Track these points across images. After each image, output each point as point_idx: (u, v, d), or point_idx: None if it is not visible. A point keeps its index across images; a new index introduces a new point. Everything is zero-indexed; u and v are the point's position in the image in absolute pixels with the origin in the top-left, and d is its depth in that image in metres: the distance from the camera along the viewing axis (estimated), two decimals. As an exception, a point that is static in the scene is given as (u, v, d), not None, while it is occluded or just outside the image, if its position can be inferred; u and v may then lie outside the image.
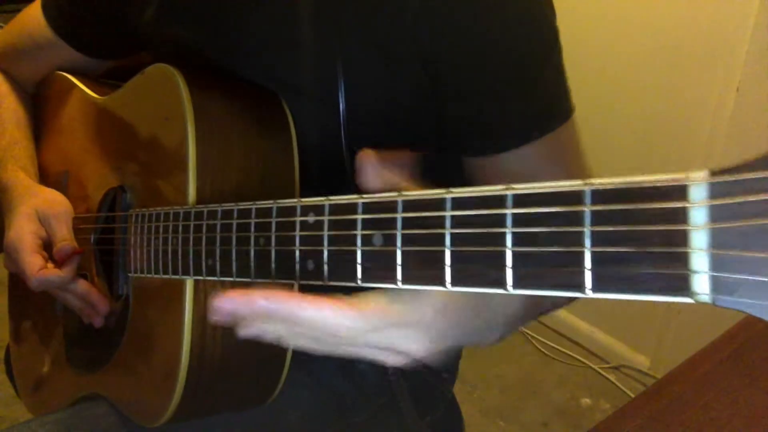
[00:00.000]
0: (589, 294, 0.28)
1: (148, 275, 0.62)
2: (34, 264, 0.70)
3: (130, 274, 0.66)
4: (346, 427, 0.79)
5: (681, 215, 0.24)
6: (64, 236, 0.73)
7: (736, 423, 0.54)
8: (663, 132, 1.61)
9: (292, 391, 0.70)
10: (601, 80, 1.68)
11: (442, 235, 0.32)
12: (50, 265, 0.72)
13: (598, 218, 0.27)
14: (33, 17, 0.85)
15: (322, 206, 0.39)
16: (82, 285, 0.72)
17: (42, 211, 0.74)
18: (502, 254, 0.30)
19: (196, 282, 0.58)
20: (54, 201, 0.76)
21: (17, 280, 0.95)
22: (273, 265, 0.43)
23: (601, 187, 0.27)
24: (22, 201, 0.76)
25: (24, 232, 0.72)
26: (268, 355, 0.64)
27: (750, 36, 1.40)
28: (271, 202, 0.44)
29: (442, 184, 0.35)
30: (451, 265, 0.32)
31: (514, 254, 0.30)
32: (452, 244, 0.32)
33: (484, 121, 0.60)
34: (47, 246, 0.74)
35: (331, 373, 0.79)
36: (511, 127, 0.59)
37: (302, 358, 0.69)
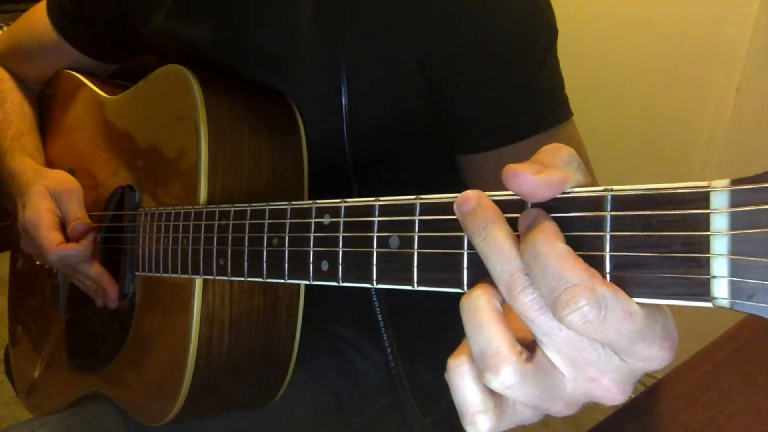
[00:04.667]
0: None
1: (156, 274, 0.62)
2: (53, 239, 0.70)
3: (137, 273, 0.66)
4: (348, 427, 0.79)
5: (703, 222, 0.25)
6: (77, 214, 0.73)
7: (736, 423, 0.54)
8: (663, 132, 1.62)
9: (293, 392, 0.71)
10: (601, 80, 1.69)
11: (461, 238, 0.32)
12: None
13: (618, 224, 0.27)
14: (38, 19, 0.84)
15: (338, 208, 0.39)
16: (95, 268, 0.72)
17: (53, 189, 0.75)
18: (522, 258, 0.31)
19: (205, 282, 0.58)
20: (63, 179, 0.76)
21: (17, 281, 0.95)
22: (286, 265, 0.43)
23: (621, 193, 0.27)
24: (33, 182, 0.76)
25: (41, 209, 0.73)
26: (273, 355, 0.65)
27: (750, 36, 1.40)
28: (285, 203, 0.44)
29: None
30: (469, 268, 0.32)
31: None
32: (470, 247, 0.32)
33: (481, 118, 0.61)
34: (61, 224, 0.74)
35: (332, 373, 0.79)
36: (507, 123, 0.60)
37: (303, 358, 0.69)
